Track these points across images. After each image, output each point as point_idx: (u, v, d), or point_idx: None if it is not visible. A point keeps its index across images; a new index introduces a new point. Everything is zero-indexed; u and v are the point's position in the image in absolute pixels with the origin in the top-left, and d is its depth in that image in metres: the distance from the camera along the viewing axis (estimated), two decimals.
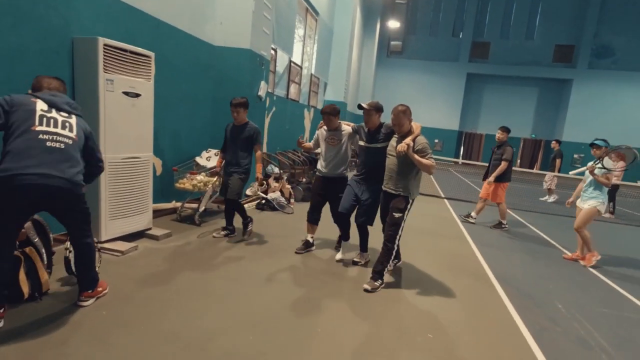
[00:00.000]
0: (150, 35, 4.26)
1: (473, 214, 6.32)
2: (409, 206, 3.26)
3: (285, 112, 8.93)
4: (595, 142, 4.41)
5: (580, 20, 19.38)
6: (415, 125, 3.24)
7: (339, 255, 3.90)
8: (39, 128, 2.18)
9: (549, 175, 9.72)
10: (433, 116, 20.54)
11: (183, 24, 4.82)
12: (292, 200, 6.23)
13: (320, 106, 12.58)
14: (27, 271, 2.47)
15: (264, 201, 5.73)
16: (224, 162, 4.33)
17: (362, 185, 3.61)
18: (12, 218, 2.19)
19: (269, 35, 6.10)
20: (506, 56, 20.48)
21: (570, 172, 6.98)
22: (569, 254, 4.78)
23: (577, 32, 19.47)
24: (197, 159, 5.16)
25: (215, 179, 4.62)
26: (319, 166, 3.98)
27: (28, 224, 2.56)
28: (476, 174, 15.30)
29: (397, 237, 3.27)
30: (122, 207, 3.58)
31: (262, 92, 5.91)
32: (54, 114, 2.27)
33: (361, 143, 3.63)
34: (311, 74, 11.28)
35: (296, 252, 3.95)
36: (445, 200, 8.47)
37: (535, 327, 2.84)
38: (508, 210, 6.48)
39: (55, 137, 2.23)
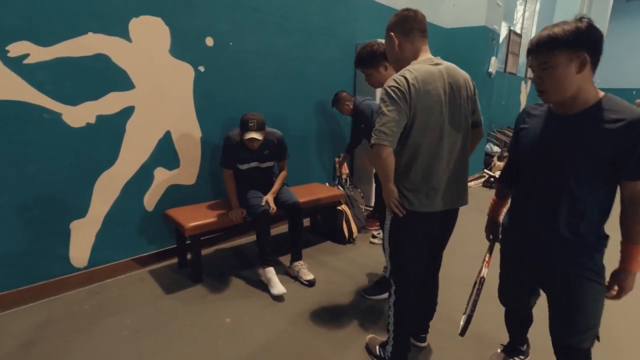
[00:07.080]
0: None
1: None
2: None
3: (502, 87, 8.38)
4: None
5: None
6: None
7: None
8: None
9: None
10: None
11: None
12: None
13: None
14: (346, 223, 3.44)
15: (492, 179, 5.72)
16: None
17: None
18: None
19: (501, 7, 5.83)
20: None
21: None
22: None
23: None
24: None
25: None
26: None
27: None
28: None
29: None
30: None
31: (492, 69, 5.78)
32: None
33: None
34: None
35: None
36: None
37: None
38: None
39: None
